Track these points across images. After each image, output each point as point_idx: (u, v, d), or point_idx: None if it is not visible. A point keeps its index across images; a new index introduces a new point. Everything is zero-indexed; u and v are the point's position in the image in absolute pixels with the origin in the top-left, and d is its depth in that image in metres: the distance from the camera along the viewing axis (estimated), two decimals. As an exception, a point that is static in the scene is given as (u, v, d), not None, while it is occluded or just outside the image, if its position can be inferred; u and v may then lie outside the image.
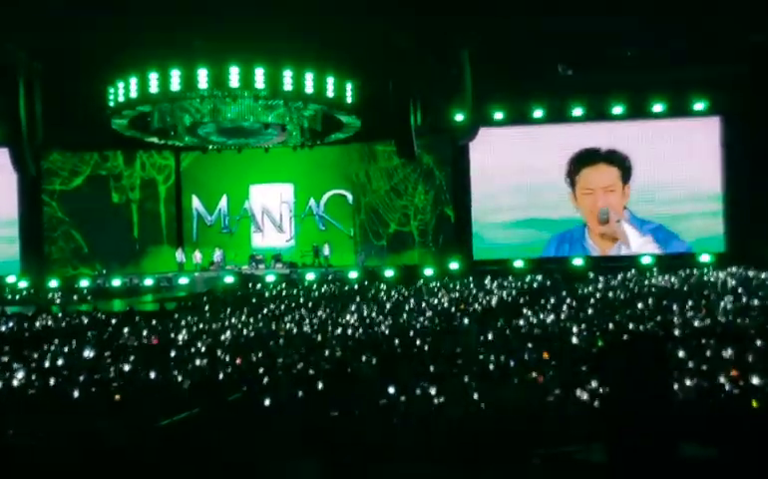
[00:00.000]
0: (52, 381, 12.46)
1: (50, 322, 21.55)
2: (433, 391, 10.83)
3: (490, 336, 16.07)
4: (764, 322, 16.59)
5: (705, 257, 33.35)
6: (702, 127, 34.77)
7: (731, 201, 34.00)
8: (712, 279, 27.01)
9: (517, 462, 8.37)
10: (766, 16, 28.09)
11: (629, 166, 35.47)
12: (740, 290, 22.94)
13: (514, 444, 8.81)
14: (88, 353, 15.03)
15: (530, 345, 14.29)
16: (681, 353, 12.72)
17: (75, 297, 30.93)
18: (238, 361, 13.96)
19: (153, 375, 12.84)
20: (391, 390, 10.92)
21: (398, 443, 9.12)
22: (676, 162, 34.65)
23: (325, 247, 37.67)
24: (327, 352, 14.42)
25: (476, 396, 10.53)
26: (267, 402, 10.93)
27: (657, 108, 34.62)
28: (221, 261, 38.08)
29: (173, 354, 14.90)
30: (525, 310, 20.09)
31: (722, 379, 10.83)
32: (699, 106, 34.29)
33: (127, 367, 13.55)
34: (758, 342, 13.34)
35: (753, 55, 30.03)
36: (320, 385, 11.65)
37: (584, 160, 35.90)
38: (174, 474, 8.45)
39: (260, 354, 14.57)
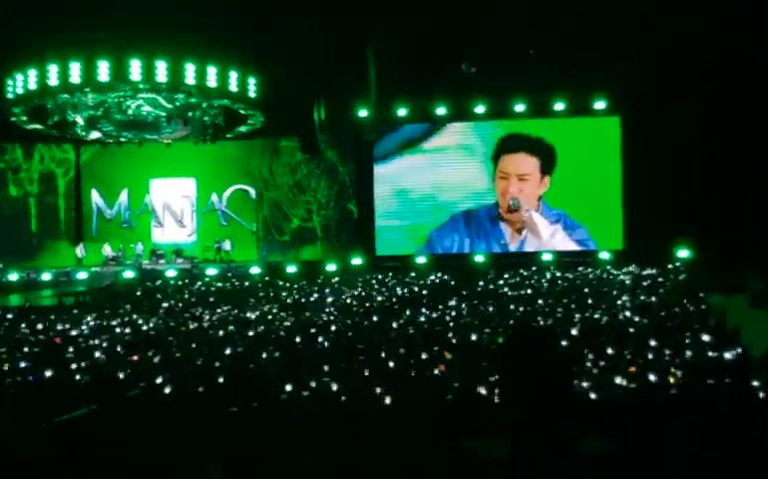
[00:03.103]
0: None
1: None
2: (335, 387, 10.85)
3: (392, 333, 16.18)
4: (660, 320, 16.95)
5: (605, 255, 33.81)
6: (602, 126, 35.25)
7: (630, 199, 34.49)
8: (611, 277, 27.49)
9: (418, 457, 8.42)
10: (663, 18, 28.60)
11: (553, 157, 35.73)
12: (637, 288, 23.42)
13: (415, 439, 8.85)
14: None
15: (431, 342, 14.41)
16: (581, 349, 12.94)
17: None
18: (136, 357, 13.83)
19: (50, 371, 12.66)
20: (292, 386, 10.92)
21: (299, 438, 9.10)
22: (577, 160, 35.10)
23: (226, 243, 37.40)
24: (228, 348, 14.36)
25: (378, 391, 10.57)
26: (167, 398, 10.86)
27: (559, 106, 35.02)
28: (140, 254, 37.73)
29: (71, 350, 14.71)
30: (425, 308, 20.22)
31: (620, 376, 11.04)
32: (600, 105, 34.75)
33: (23, 363, 13.35)
34: (652, 342, 13.65)
35: (650, 54, 30.51)
36: (220, 381, 11.60)
37: (508, 146, 36.11)
38: (66, 472, 8.32)
39: (160, 350, 14.46)
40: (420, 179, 36.21)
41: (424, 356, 13.20)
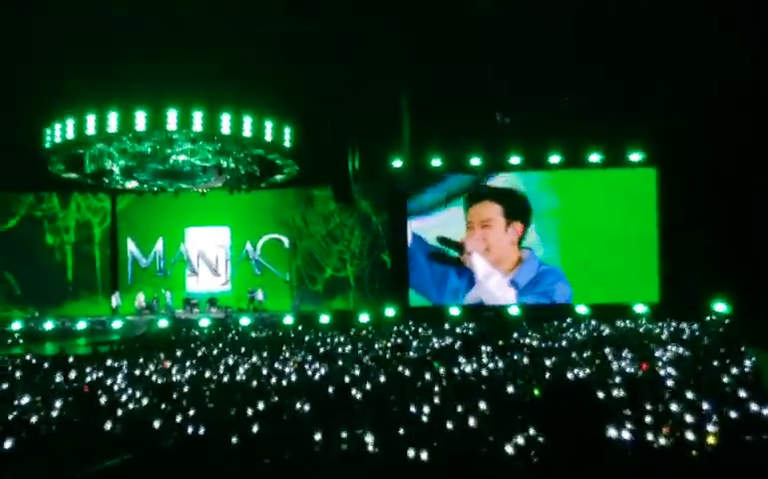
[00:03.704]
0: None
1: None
2: (369, 439, 10.81)
3: (424, 385, 16.11)
4: (697, 375, 16.81)
5: (640, 308, 33.59)
6: (638, 177, 35.13)
7: (666, 252, 34.30)
8: (648, 330, 27.31)
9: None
10: (699, 69, 28.58)
11: (522, 204, 35.86)
12: (674, 341, 23.26)
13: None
14: (19, 398, 14.82)
15: (464, 394, 14.33)
16: (616, 403, 12.85)
17: (7, 340, 30.60)
18: (169, 407, 13.84)
19: (85, 420, 12.70)
20: (325, 437, 10.89)
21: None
22: (612, 211, 35.01)
23: (259, 292, 37.43)
24: (261, 398, 14.34)
25: (411, 446, 10.52)
26: (200, 447, 10.86)
27: (594, 158, 34.94)
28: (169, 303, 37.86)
29: (104, 399, 14.75)
30: (460, 358, 20.10)
31: (655, 431, 10.93)
32: (635, 157, 34.67)
33: (58, 412, 13.39)
34: (689, 394, 13.52)
35: (687, 107, 30.42)
36: (254, 430, 11.59)
37: (473, 198, 36.29)
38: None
39: (194, 399, 14.46)
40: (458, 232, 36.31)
41: (459, 409, 13.13)
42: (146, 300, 37.56)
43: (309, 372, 18.74)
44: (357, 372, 18.44)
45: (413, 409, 13.18)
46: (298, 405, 13.59)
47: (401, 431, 11.46)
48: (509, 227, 35.67)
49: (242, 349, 24.08)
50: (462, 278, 36.27)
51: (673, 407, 12.53)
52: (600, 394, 14.16)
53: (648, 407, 12.62)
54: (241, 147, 30.25)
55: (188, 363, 20.77)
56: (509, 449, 10.19)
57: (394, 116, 32.34)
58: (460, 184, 36.48)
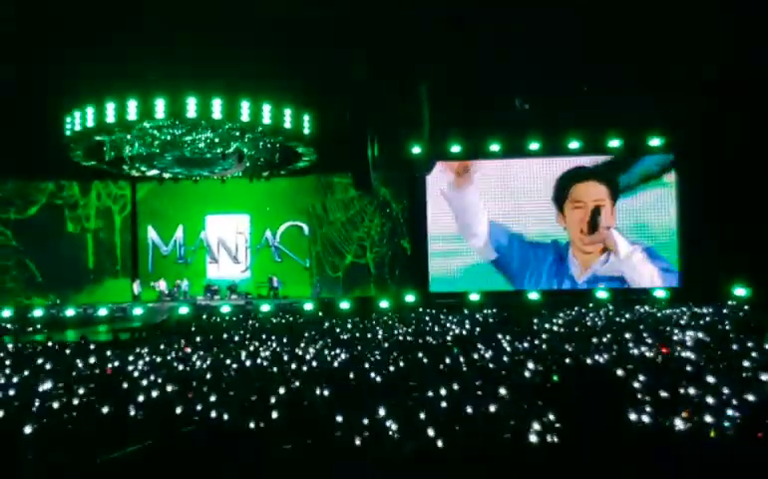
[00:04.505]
0: (1, 413, 12.35)
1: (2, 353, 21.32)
2: (390, 425, 10.82)
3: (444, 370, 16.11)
4: (717, 359, 16.74)
5: (660, 293, 33.49)
6: (657, 163, 35.01)
7: (685, 237, 34.17)
8: (668, 315, 27.19)
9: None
10: (716, 53, 28.43)
11: (616, 187, 35.61)
12: (694, 326, 23.16)
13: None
14: (41, 384, 14.89)
15: (485, 379, 14.32)
16: (635, 387, 12.81)
17: (29, 327, 30.72)
18: (191, 394, 13.87)
19: (105, 406, 12.74)
20: (345, 423, 10.92)
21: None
22: (631, 198, 34.91)
23: (274, 279, 37.48)
24: (282, 384, 14.36)
25: (431, 430, 10.53)
26: (221, 434, 10.89)
27: (613, 143, 34.81)
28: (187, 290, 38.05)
29: (125, 385, 14.80)
30: (479, 344, 20.05)
31: (674, 415, 10.90)
32: (654, 142, 34.53)
33: (79, 399, 13.44)
34: (710, 379, 13.47)
35: (706, 92, 30.26)
36: (274, 416, 11.61)
37: (575, 176, 35.96)
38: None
39: (214, 385, 14.50)
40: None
41: (479, 392, 13.12)
42: (167, 287, 37.75)
43: (329, 358, 18.76)
44: (377, 357, 18.45)
45: (432, 394, 13.19)
46: (318, 391, 13.62)
47: (422, 416, 11.48)
48: (612, 208, 35.58)
49: (262, 335, 24.11)
50: (553, 264, 36.36)
51: (692, 391, 12.51)
52: (619, 379, 14.17)
53: (666, 392, 12.59)
54: (261, 134, 30.21)
55: (208, 349, 20.82)
56: (529, 434, 10.19)
57: (413, 102, 32.24)
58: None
